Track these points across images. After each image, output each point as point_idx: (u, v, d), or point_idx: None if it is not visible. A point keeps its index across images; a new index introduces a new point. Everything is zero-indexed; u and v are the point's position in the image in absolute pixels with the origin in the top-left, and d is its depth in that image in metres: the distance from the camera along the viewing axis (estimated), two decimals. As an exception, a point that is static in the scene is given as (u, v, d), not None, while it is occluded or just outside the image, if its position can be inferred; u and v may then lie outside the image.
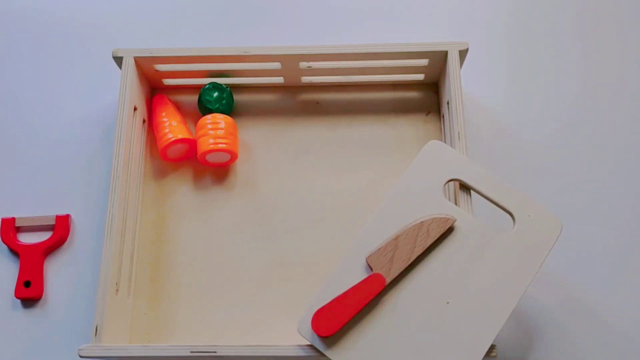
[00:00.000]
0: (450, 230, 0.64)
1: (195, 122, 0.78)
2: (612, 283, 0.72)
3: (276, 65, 0.77)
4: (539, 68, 0.83)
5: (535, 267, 0.63)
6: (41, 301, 0.73)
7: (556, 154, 0.78)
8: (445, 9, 0.87)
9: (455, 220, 0.64)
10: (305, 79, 0.80)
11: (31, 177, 0.79)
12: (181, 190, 0.77)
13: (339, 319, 0.61)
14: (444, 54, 0.74)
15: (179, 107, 0.80)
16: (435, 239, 0.63)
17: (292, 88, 0.81)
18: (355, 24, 0.86)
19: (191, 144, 0.76)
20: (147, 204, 0.76)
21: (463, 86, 0.75)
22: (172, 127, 0.76)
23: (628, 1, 0.86)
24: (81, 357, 0.63)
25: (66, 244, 0.76)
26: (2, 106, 0.83)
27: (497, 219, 0.66)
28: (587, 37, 0.84)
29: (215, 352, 0.63)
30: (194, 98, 0.80)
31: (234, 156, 0.76)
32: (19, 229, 0.76)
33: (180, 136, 0.75)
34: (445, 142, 0.74)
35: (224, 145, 0.74)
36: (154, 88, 0.82)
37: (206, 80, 0.79)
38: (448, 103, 0.73)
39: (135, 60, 0.75)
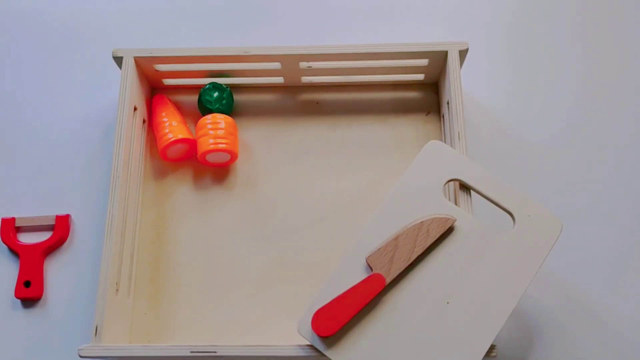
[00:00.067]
0: (450, 230, 0.64)
1: (195, 122, 0.78)
2: (612, 283, 0.72)
3: (276, 65, 0.77)
4: (539, 68, 0.83)
5: (535, 267, 0.62)
6: (41, 301, 0.73)
7: (556, 154, 0.78)
8: (445, 9, 0.87)
9: (455, 220, 0.64)
10: (305, 79, 0.80)
11: (31, 177, 0.79)
12: (181, 190, 0.77)
13: (339, 319, 0.61)
14: (444, 54, 0.74)
15: (179, 107, 0.80)
16: (435, 239, 0.63)
17: (292, 88, 0.81)
18: (355, 24, 0.86)
19: (191, 144, 0.76)
20: (147, 204, 0.76)
21: (463, 86, 0.75)
22: (172, 127, 0.76)
23: (628, 1, 0.86)
24: (81, 357, 0.63)
25: (66, 244, 0.76)
26: (2, 106, 0.83)
27: (497, 219, 0.66)
28: (588, 38, 0.84)
29: (215, 352, 0.63)
30: (194, 98, 0.80)
31: (234, 156, 0.76)
32: (19, 229, 0.76)
33: (180, 136, 0.75)
34: (445, 142, 0.74)
35: (224, 145, 0.74)
36: (154, 88, 0.82)
37: (206, 80, 0.79)
38: (448, 103, 0.73)
39: (135, 60, 0.75)
